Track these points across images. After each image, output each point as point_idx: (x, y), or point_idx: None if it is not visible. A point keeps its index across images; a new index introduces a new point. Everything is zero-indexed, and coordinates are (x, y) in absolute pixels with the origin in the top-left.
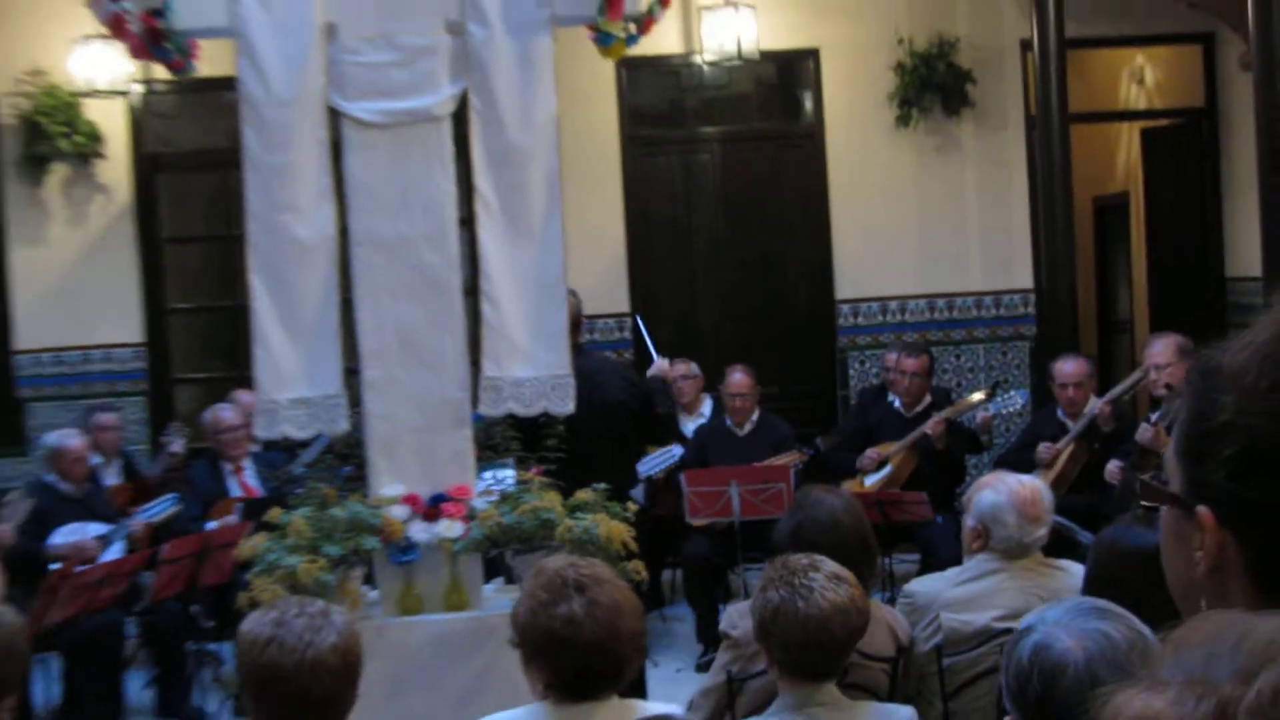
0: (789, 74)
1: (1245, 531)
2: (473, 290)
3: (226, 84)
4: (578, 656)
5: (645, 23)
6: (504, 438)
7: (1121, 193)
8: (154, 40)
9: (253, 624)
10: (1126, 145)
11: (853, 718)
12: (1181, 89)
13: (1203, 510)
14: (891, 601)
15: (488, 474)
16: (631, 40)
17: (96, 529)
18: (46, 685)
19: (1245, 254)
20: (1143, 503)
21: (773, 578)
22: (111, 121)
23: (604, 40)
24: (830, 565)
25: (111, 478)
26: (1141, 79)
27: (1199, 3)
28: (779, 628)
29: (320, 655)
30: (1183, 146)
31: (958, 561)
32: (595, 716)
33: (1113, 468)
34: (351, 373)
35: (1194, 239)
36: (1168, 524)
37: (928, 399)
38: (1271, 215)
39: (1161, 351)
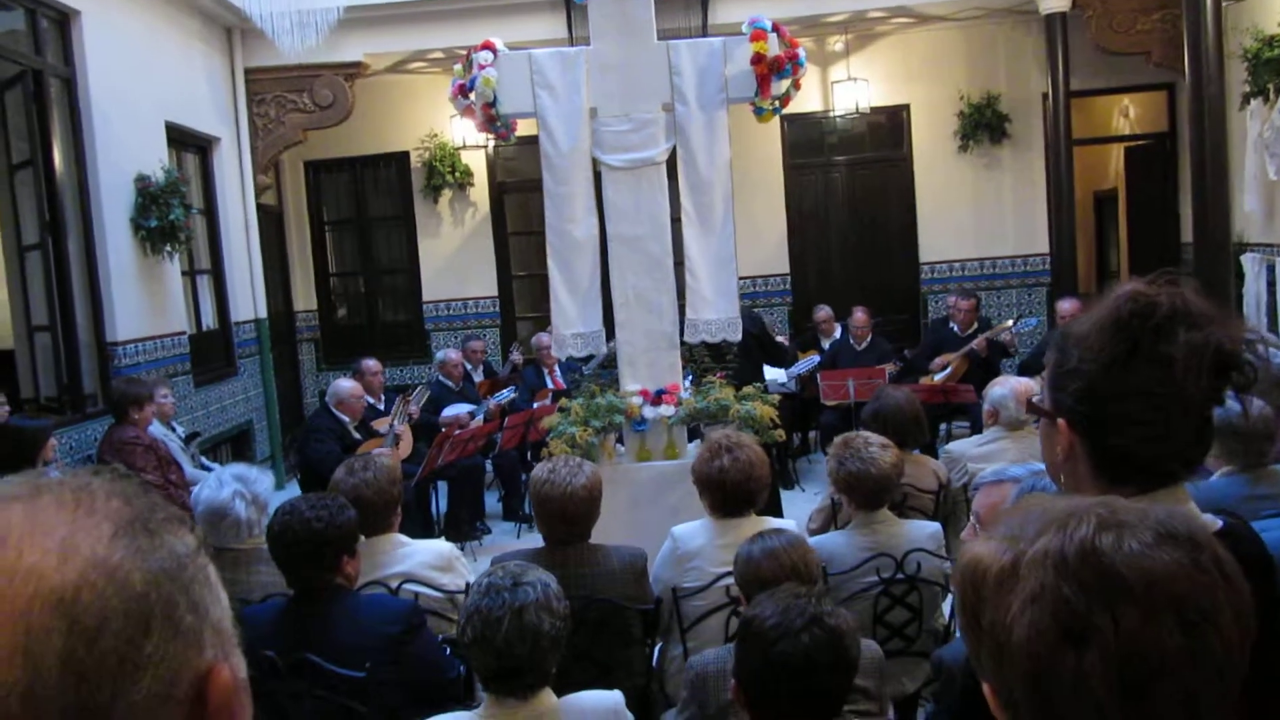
0: (891, 121)
1: (1084, 434)
2: (680, 265)
3: (536, 140)
4: (725, 491)
5: (784, 100)
6: (698, 355)
7: (1112, 188)
8: (490, 121)
9: (539, 470)
10: (1116, 158)
11: (899, 530)
12: (1152, 120)
13: (1061, 421)
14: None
15: (689, 377)
16: (776, 111)
17: (468, 408)
18: (438, 500)
19: (1189, 228)
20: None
21: (843, 449)
22: (476, 164)
23: (758, 111)
24: (877, 439)
25: (478, 377)
26: (1126, 114)
27: (1163, 63)
28: (853, 480)
29: (574, 490)
30: (1152, 158)
31: None
32: (741, 527)
33: None
34: (609, 314)
35: (1158, 218)
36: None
37: (975, 325)
38: (1199, 201)
39: None
